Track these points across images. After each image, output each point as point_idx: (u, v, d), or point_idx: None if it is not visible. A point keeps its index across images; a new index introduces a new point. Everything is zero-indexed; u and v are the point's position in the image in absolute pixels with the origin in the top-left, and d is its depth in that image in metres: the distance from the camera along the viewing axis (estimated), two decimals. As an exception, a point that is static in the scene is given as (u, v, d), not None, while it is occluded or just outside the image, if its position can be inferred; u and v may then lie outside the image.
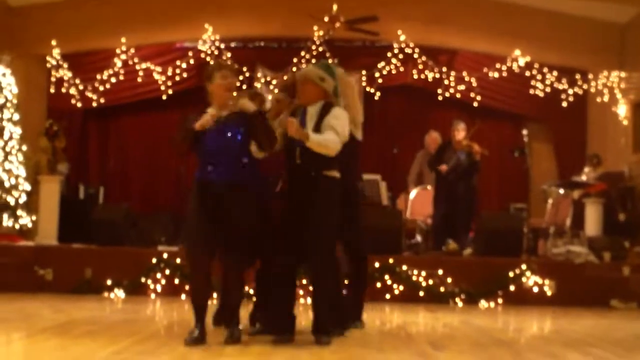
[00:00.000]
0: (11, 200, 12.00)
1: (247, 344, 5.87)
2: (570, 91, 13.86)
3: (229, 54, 13.84)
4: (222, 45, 13.83)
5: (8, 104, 12.21)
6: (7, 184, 11.99)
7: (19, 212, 12.08)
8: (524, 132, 12.07)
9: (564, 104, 13.89)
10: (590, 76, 13.80)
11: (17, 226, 12.07)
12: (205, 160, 5.87)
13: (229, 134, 5.86)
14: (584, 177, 12.42)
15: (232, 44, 14.25)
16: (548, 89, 13.92)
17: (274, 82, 14.07)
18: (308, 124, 6.04)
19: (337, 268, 6.26)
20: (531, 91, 13.98)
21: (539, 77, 13.90)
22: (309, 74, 6.16)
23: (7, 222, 11.95)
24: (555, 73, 13.85)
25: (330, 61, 13.83)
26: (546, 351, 6.08)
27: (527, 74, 13.86)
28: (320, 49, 13.89)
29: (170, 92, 14.28)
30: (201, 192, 5.85)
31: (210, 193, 5.82)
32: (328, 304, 6.06)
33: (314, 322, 6.06)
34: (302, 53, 13.76)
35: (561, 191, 12.00)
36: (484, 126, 12.33)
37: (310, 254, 5.96)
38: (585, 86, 13.85)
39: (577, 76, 13.83)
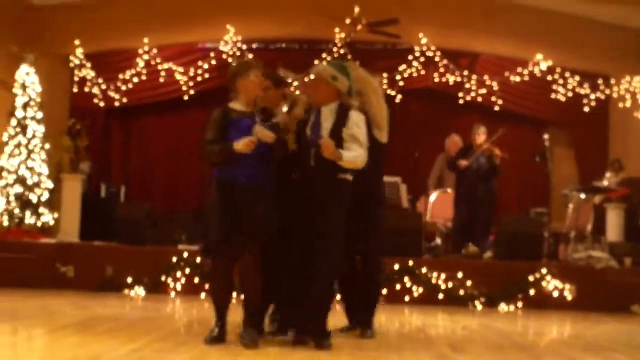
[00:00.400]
0: (34, 198, 12.09)
1: (266, 345, 5.87)
2: (593, 96, 13.80)
3: (250, 56, 13.87)
4: (244, 47, 13.87)
5: (32, 103, 12.31)
6: (30, 182, 12.08)
7: (42, 209, 12.17)
8: (546, 137, 12.03)
9: (586, 109, 13.83)
10: (613, 81, 13.74)
11: (39, 224, 12.15)
12: (236, 161, 5.78)
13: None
14: (605, 183, 12.37)
15: (254, 46, 14.29)
16: (570, 94, 13.87)
17: (295, 84, 14.08)
18: (323, 125, 5.99)
19: (339, 270, 6.17)
20: (553, 96, 13.93)
21: (561, 81, 13.85)
22: (321, 73, 6.08)
23: (29, 219, 12.04)
24: (577, 78, 13.80)
25: (351, 63, 13.93)
26: (566, 356, 6.07)
27: (549, 78, 13.82)
28: (342, 51, 13.90)
29: (192, 92, 14.34)
30: (226, 192, 5.81)
31: (237, 193, 5.79)
32: (328, 306, 6.02)
33: (311, 324, 5.93)
34: (324, 55, 13.78)
35: (583, 196, 11.95)
36: (504, 130, 12.30)
37: (316, 255, 5.89)
38: (607, 91, 13.79)
39: (600, 81, 13.77)
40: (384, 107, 6.75)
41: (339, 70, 6.11)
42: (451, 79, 14.09)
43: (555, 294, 10.07)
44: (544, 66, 13.64)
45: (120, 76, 14.14)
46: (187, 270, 10.25)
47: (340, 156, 5.83)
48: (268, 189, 5.89)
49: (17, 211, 11.97)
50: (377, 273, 6.98)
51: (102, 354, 5.27)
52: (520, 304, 10.03)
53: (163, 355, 5.36)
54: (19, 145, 12.12)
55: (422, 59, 13.89)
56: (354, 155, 5.91)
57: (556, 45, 13.53)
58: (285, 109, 6.17)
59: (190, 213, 12.84)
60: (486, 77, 14.07)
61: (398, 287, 10.01)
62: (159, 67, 14.07)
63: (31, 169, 12.14)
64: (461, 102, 14.20)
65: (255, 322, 6.00)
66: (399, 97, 14.03)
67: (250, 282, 5.91)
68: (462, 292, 10.05)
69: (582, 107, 13.83)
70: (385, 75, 14.05)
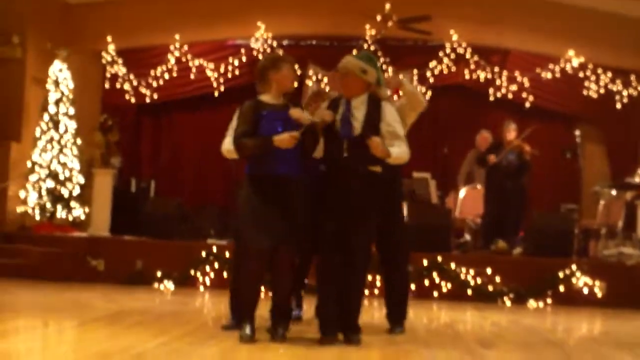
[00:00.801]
0: (65, 192, 12.21)
1: (294, 342, 5.86)
2: (625, 92, 13.66)
3: (281, 52, 13.89)
4: (274, 43, 13.89)
5: (64, 99, 12.42)
6: (61, 177, 12.20)
7: (73, 203, 12.28)
8: (577, 133, 11.95)
9: (618, 106, 13.70)
10: (645, 78, 13.60)
11: (70, 217, 12.27)
12: (271, 154, 5.79)
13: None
14: (637, 179, 12.25)
15: (284, 42, 14.29)
16: (602, 90, 13.72)
17: (325, 79, 14.11)
18: (355, 115, 5.97)
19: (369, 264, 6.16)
20: (584, 92, 13.79)
21: (592, 78, 13.71)
22: (349, 66, 6.06)
23: (61, 213, 12.16)
24: (609, 74, 13.66)
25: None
26: (597, 352, 6.04)
27: (581, 74, 13.68)
28: (372, 47, 13.87)
29: (222, 88, 14.37)
30: (264, 186, 5.80)
31: (272, 187, 5.79)
32: (359, 300, 6.02)
33: (344, 320, 5.93)
34: (354, 52, 13.75)
35: (613, 192, 11.85)
36: (535, 127, 12.23)
37: (348, 248, 5.88)
38: (639, 88, 13.65)
39: (632, 77, 13.63)
40: (414, 116, 6.85)
41: (367, 62, 6.12)
42: (482, 76, 13.99)
43: (585, 291, 10.01)
44: (575, 62, 13.52)
45: (151, 72, 14.20)
46: (216, 265, 10.31)
47: (390, 153, 5.84)
48: (302, 181, 5.89)
49: (48, 205, 12.09)
50: (406, 269, 6.99)
51: (132, 347, 5.32)
52: (549, 300, 9.98)
53: (192, 348, 5.40)
54: (51, 140, 12.24)
55: (453, 56, 13.81)
56: (400, 151, 5.94)
57: (588, 41, 13.40)
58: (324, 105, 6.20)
59: (219, 208, 12.90)
60: (517, 74, 13.96)
61: (427, 282, 10.01)
62: (190, 64, 14.11)
63: (63, 164, 12.25)
64: (491, 98, 14.11)
65: (286, 317, 6.02)
66: (429, 93, 13.98)
67: (284, 278, 5.89)
68: (490, 288, 10.02)
69: (614, 103, 13.69)
70: (415, 71, 14.03)
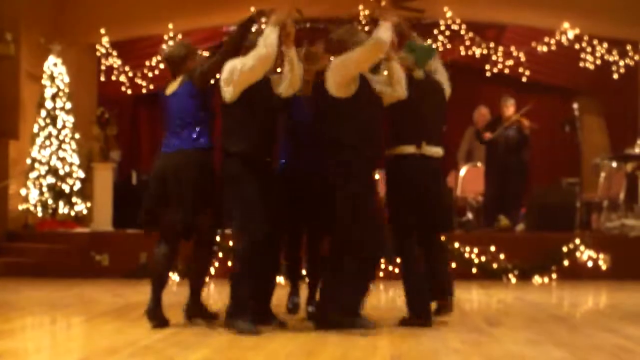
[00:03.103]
0: (66, 188, 12.20)
1: (300, 331, 5.87)
2: (621, 63, 13.61)
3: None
4: (269, 28, 13.83)
5: (60, 94, 12.39)
6: (61, 172, 12.18)
7: (74, 199, 12.27)
8: (575, 105, 11.93)
9: (615, 76, 13.66)
10: (642, 47, 13.56)
11: (72, 213, 12.27)
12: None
13: None
14: (637, 150, 12.23)
15: (279, 25, 14.21)
16: (598, 62, 13.68)
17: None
18: None
19: None
20: (581, 64, 13.75)
21: (588, 49, 13.66)
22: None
23: (63, 209, 12.16)
24: (605, 45, 13.61)
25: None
26: (603, 325, 6.04)
27: (577, 46, 13.63)
28: (367, 28, 13.82)
29: (218, 76, 14.31)
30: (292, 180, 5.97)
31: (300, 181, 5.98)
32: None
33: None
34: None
35: (614, 164, 11.85)
36: (532, 100, 12.22)
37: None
38: (636, 57, 13.58)
39: (628, 47, 13.58)
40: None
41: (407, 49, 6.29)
42: (477, 52, 13.95)
43: (590, 264, 10.03)
44: (570, 34, 13.47)
45: (147, 63, 14.17)
46: (220, 254, 10.30)
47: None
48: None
49: (50, 201, 12.09)
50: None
51: (140, 339, 5.34)
52: (554, 276, 10.00)
53: (200, 338, 5.41)
54: (49, 136, 12.22)
55: (447, 33, 13.76)
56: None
57: (582, 12, 13.34)
58: None
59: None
60: (513, 48, 13.92)
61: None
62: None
63: (62, 159, 12.24)
64: (488, 74, 14.09)
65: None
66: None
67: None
68: (495, 266, 10.04)
69: (611, 74, 13.65)
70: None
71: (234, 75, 5.70)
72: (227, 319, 5.71)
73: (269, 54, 5.70)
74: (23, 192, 12.13)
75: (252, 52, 5.72)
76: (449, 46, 13.81)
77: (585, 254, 10.03)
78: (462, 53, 14.01)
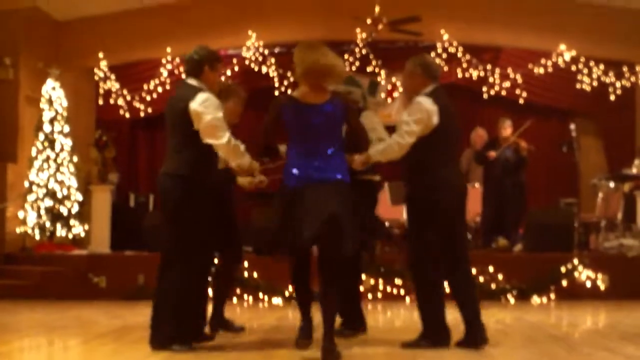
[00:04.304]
0: (64, 211, 12.19)
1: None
2: (618, 84, 13.67)
3: (272, 60, 13.91)
4: (266, 51, 13.91)
5: (58, 117, 12.41)
6: (59, 195, 12.19)
7: (72, 221, 12.27)
8: (572, 126, 11.97)
9: (612, 97, 13.72)
10: (638, 68, 13.59)
11: (70, 235, 12.27)
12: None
13: None
14: (634, 170, 12.26)
15: (276, 50, 14.31)
16: (595, 83, 13.74)
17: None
18: None
19: None
20: (578, 86, 13.81)
21: (585, 71, 13.73)
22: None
23: (60, 231, 12.15)
24: (601, 66, 13.68)
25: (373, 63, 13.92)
26: (602, 345, 6.03)
27: (573, 68, 13.70)
28: (364, 51, 13.90)
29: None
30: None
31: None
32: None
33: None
34: (346, 56, 13.77)
35: (611, 184, 11.86)
36: (530, 122, 12.26)
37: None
38: (633, 78, 13.66)
39: (625, 68, 13.65)
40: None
41: (350, 84, 6.32)
42: (474, 74, 14.01)
43: (588, 284, 10.02)
44: (567, 56, 13.54)
45: (145, 86, 14.22)
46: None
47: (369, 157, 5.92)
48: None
49: (48, 224, 12.08)
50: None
51: (137, 361, 5.32)
52: (552, 296, 9.99)
53: None
54: (47, 159, 12.23)
55: (445, 55, 13.82)
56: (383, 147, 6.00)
57: (579, 34, 13.42)
58: None
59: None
60: (509, 70, 13.99)
61: (429, 283, 9.97)
62: (183, 76, 14.08)
63: (60, 182, 12.24)
64: (485, 96, 14.14)
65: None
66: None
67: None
68: (493, 286, 10.03)
69: (607, 95, 13.71)
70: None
71: (203, 115, 5.72)
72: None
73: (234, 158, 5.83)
74: (21, 214, 12.12)
75: (230, 145, 5.73)
76: (446, 69, 13.86)
77: (584, 274, 10.03)
78: (460, 75, 14.08)
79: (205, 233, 5.80)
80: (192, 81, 5.96)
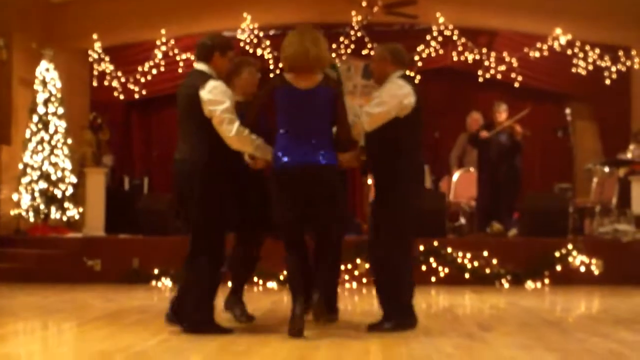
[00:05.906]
0: (58, 193, 12.17)
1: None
2: (613, 68, 13.65)
3: (267, 42, 13.86)
4: (261, 34, 13.85)
5: (52, 99, 12.37)
6: (53, 177, 12.16)
7: (66, 204, 12.25)
8: (567, 111, 11.96)
9: (607, 82, 13.70)
10: (634, 52, 13.58)
11: (64, 218, 12.25)
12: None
13: None
14: (629, 155, 12.28)
15: (271, 32, 14.25)
16: (590, 67, 13.72)
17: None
18: None
19: None
20: (573, 70, 13.79)
21: (580, 55, 13.70)
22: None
23: (55, 214, 12.13)
24: (597, 50, 13.66)
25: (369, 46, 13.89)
26: (596, 330, 6.05)
27: (569, 52, 13.68)
28: (359, 34, 13.85)
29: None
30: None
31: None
32: None
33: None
34: (341, 39, 13.74)
35: (606, 169, 11.87)
36: (525, 106, 12.25)
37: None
38: (628, 63, 13.64)
39: (620, 53, 13.63)
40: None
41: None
42: (470, 57, 13.98)
43: (582, 269, 10.03)
44: (563, 40, 13.51)
45: (139, 68, 14.17)
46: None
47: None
48: None
49: (42, 207, 12.06)
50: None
51: (132, 345, 5.32)
52: (547, 281, 10.00)
53: (192, 344, 5.40)
54: (41, 142, 12.19)
55: (440, 38, 13.78)
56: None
57: (575, 18, 13.38)
58: None
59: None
60: (505, 54, 13.96)
61: (424, 267, 10.00)
62: (177, 58, 14.07)
63: (54, 164, 12.21)
64: (481, 80, 14.12)
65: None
66: (418, 77, 13.96)
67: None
68: (488, 271, 10.04)
69: (603, 79, 13.69)
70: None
71: (216, 106, 5.71)
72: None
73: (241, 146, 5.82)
74: (15, 197, 12.10)
75: (243, 134, 5.73)
76: (441, 52, 13.86)
77: (578, 259, 10.04)
78: (455, 59, 14.06)
79: (232, 216, 5.93)
80: (201, 66, 5.96)
